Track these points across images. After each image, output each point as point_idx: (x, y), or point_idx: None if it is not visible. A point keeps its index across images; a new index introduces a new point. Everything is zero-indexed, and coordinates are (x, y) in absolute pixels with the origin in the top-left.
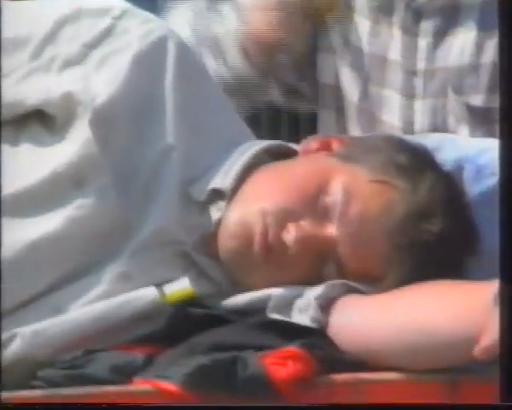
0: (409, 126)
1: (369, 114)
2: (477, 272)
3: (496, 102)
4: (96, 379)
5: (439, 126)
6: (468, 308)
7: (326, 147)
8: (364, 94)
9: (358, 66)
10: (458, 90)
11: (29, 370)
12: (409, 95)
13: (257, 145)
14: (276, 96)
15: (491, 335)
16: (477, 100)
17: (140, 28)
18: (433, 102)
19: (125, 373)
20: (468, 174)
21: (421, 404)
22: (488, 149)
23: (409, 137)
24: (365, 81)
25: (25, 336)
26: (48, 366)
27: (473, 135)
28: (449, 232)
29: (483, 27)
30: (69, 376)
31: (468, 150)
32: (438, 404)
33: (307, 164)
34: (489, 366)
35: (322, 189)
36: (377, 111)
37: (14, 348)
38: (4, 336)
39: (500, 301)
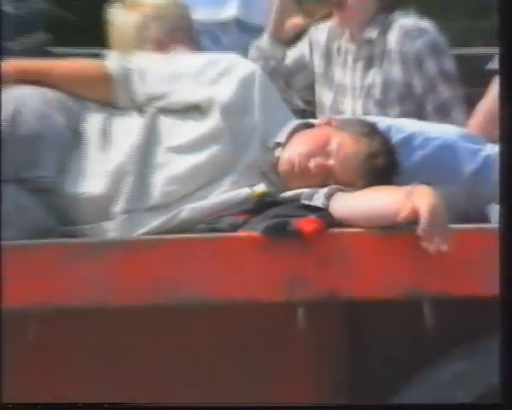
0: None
1: (336, 111)
2: (398, 183)
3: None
4: (221, 229)
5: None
6: (396, 196)
7: (329, 123)
8: (334, 102)
9: (331, 89)
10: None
11: (190, 227)
12: (355, 97)
13: (297, 122)
14: (299, 104)
15: (406, 210)
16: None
17: (242, 67)
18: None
19: (233, 226)
20: (416, 142)
21: (423, 403)
22: (424, 127)
23: (370, 119)
24: (335, 95)
25: (188, 209)
26: (199, 223)
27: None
28: (386, 164)
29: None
30: (208, 228)
31: (416, 126)
32: (438, 403)
33: (320, 131)
34: None
35: (327, 143)
36: (340, 111)
37: (182, 216)
38: (176, 210)
39: (501, 302)
